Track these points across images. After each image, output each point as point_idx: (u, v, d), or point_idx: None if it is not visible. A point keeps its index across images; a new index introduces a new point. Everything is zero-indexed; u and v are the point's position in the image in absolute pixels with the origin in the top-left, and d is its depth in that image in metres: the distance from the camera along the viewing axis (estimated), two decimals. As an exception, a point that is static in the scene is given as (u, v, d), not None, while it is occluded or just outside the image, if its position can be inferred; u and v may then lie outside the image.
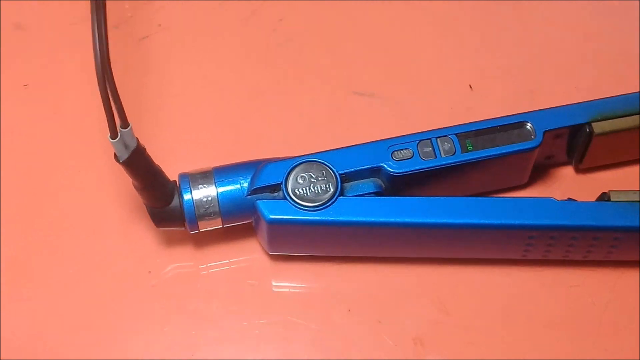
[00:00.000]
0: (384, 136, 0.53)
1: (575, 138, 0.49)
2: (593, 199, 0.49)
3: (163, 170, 0.46)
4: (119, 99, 0.40)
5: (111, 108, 0.40)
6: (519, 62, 0.56)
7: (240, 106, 0.55)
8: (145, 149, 0.43)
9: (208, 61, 0.56)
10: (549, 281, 0.48)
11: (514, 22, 0.58)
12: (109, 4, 0.58)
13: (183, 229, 0.47)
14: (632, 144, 0.49)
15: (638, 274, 0.48)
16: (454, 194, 0.49)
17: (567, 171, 0.52)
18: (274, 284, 0.49)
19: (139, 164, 0.43)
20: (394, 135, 0.52)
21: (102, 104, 0.39)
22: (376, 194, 0.46)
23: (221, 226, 0.47)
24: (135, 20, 0.58)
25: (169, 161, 0.51)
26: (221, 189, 0.46)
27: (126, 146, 0.42)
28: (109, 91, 0.39)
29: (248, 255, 0.50)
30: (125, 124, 0.41)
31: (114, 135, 0.41)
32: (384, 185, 0.47)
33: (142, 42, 0.57)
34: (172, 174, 0.47)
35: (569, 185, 0.51)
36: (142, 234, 0.50)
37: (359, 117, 0.54)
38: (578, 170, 0.51)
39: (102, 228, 0.50)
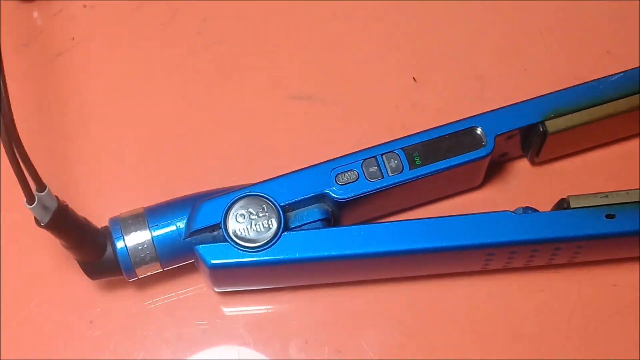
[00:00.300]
0: (326, 142, 0.50)
1: (529, 137, 0.46)
2: (551, 193, 0.47)
3: (90, 214, 0.42)
4: (31, 163, 0.36)
5: (23, 174, 0.36)
6: (463, 47, 0.52)
7: (168, 122, 0.50)
8: (67, 206, 0.40)
9: (129, 75, 0.52)
10: (513, 288, 0.46)
11: (451, 7, 0.53)
12: (16, 17, 0.54)
13: (121, 277, 0.44)
14: (588, 137, 0.47)
15: (603, 272, 0.46)
16: (406, 205, 0.47)
17: (523, 164, 0.49)
18: (224, 309, 0.46)
19: (63, 224, 0.39)
20: (338, 141, 0.49)
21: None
22: (323, 220, 0.43)
23: (161, 270, 0.44)
24: (46, 35, 0.52)
25: (95, 196, 0.48)
26: (156, 233, 0.43)
27: (46, 208, 0.38)
28: (18, 157, 0.36)
29: (195, 285, 0.47)
30: (41, 187, 0.37)
31: (30, 200, 0.37)
32: (330, 209, 0.44)
33: (56, 59, 0.52)
34: (100, 214, 0.43)
35: (526, 180, 0.48)
36: (79, 280, 0.45)
37: (299, 124, 0.50)
38: (534, 163, 0.48)
39: (36, 280, 0.47)
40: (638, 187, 0.43)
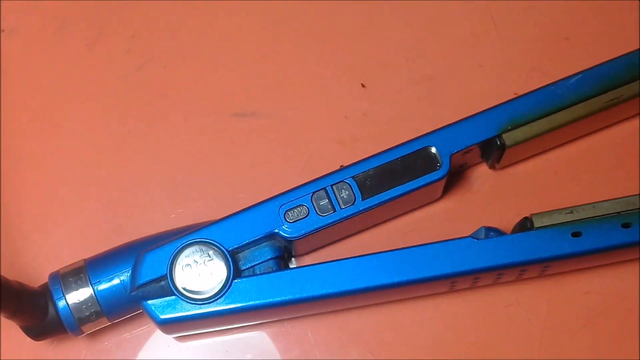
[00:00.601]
0: (275, 161, 0.47)
1: (487, 149, 0.43)
2: (515, 199, 0.45)
3: (27, 266, 0.41)
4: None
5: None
6: (411, 46, 0.49)
7: (103, 154, 0.47)
8: (-1, 277, 0.37)
9: (58, 105, 0.48)
10: (481, 304, 0.44)
11: (395, 5, 0.49)
12: None
13: (67, 334, 0.41)
14: (549, 143, 0.44)
15: (574, 281, 0.44)
16: (362, 227, 0.45)
17: (484, 169, 0.46)
18: (180, 344, 0.44)
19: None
20: (288, 158, 0.47)
21: None
22: (275, 259, 0.41)
23: (109, 323, 0.41)
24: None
25: (31, 244, 0.46)
26: (100, 288, 0.40)
27: (-25, 287, 0.36)
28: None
29: (148, 323, 0.44)
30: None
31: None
32: (282, 245, 0.41)
33: (-22, 94, 0.48)
34: (39, 264, 0.42)
35: (487, 187, 0.46)
36: (24, 335, 0.42)
37: (244, 143, 0.47)
38: (495, 169, 0.46)
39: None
40: (604, 198, 0.41)
